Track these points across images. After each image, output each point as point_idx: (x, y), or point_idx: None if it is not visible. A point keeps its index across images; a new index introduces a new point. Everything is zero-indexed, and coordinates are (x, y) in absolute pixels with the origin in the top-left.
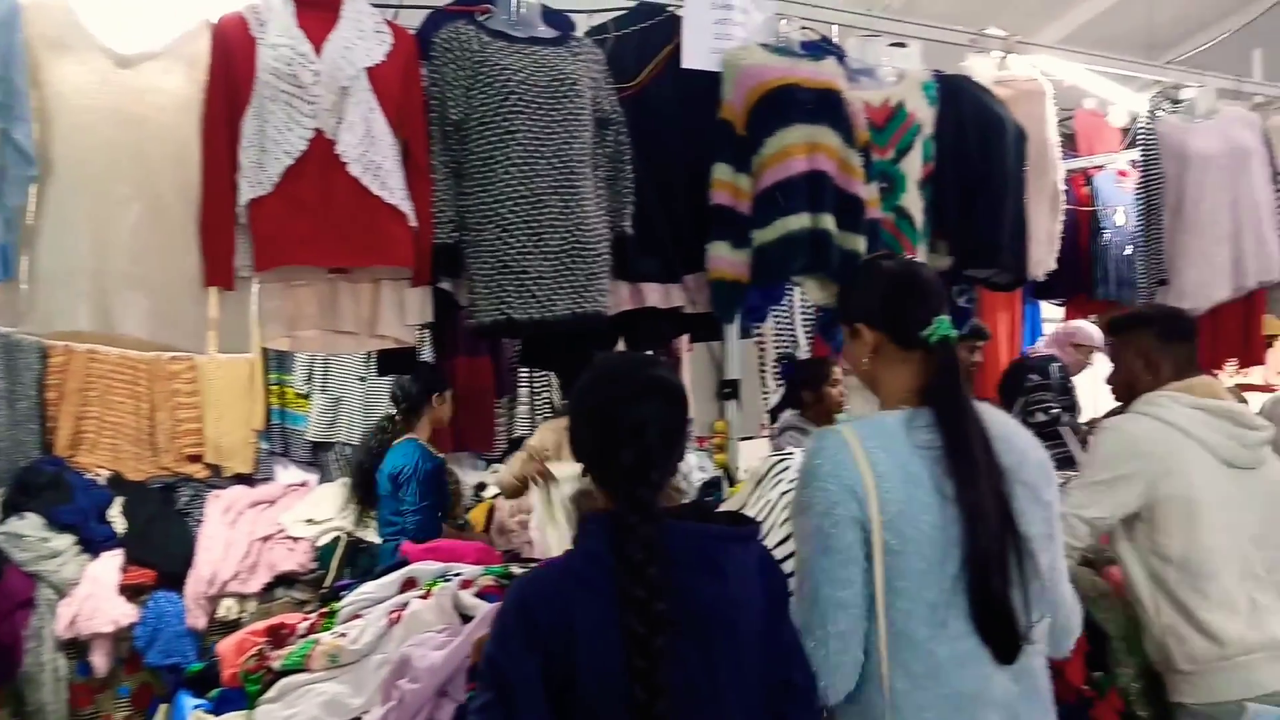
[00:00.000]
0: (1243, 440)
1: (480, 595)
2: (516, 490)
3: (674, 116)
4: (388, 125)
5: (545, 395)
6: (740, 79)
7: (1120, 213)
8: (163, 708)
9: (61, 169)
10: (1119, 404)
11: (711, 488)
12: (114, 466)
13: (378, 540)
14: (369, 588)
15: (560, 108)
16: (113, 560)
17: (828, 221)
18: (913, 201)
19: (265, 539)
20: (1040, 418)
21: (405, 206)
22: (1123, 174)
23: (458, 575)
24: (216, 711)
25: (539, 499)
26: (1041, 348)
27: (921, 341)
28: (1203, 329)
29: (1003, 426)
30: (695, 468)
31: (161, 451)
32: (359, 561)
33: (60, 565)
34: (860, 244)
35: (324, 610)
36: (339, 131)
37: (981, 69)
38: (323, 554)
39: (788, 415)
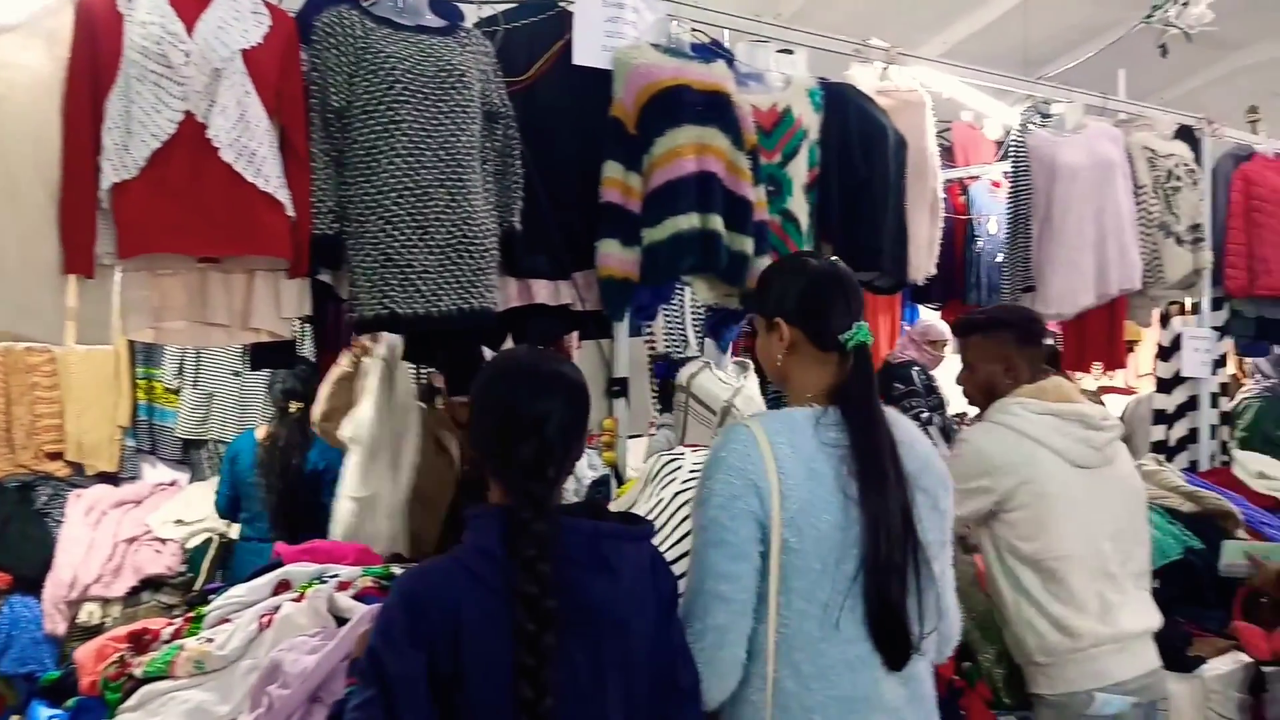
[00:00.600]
0: (1090, 442)
1: (358, 597)
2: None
3: (564, 113)
4: (264, 110)
5: None
6: (631, 78)
7: (993, 221)
8: (14, 719)
9: None
10: (976, 408)
11: (601, 485)
12: None
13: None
14: (239, 591)
15: (448, 99)
16: None
17: (717, 222)
18: (799, 205)
19: (131, 540)
20: None
21: (282, 195)
22: (996, 184)
23: (335, 577)
24: None
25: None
26: (898, 350)
27: (839, 344)
28: (1069, 334)
29: (907, 433)
30: (585, 466)
31: (19, 448)
32: (231, 564)
33: None
34: (748, 245)
35: (190, 615)
36: (211, 115)
37: (864, 78)
38: (193, 556)
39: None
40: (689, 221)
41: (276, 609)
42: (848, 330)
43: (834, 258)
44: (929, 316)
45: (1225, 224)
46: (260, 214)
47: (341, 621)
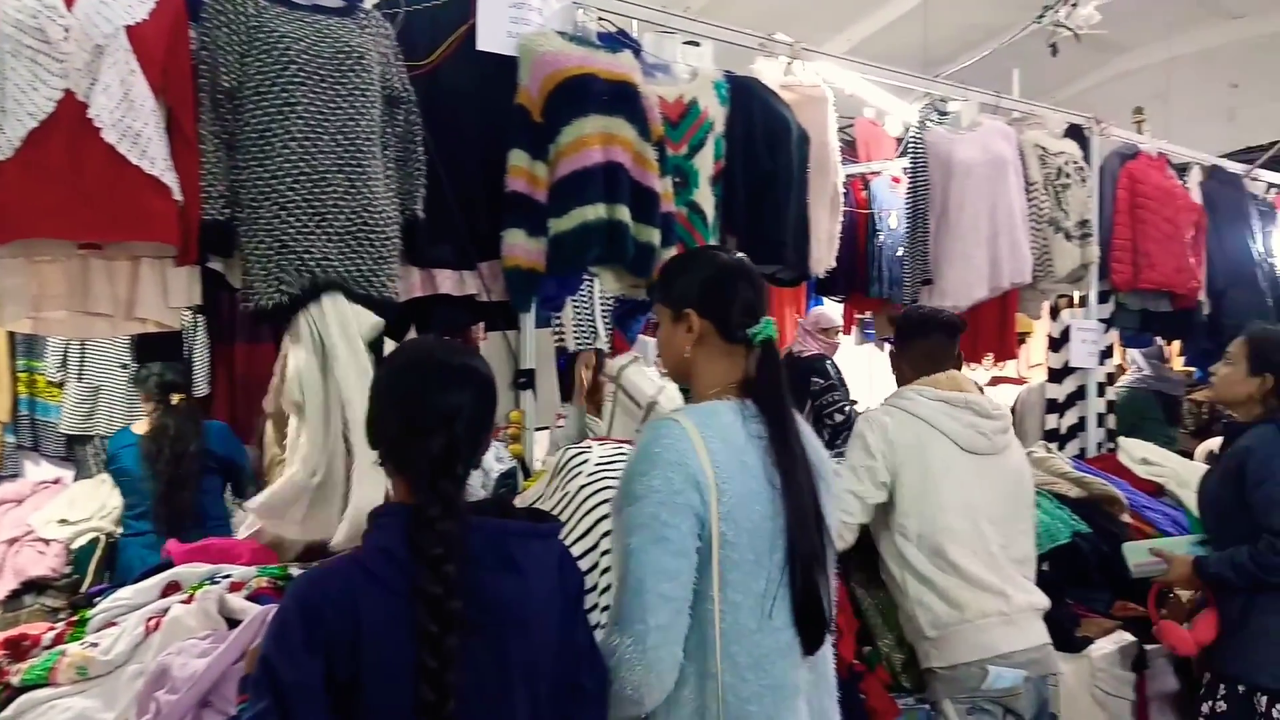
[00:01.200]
0: (979, 428)
1: (253, 598)
2: None
3: (468, 99)
4: (150, 90)
5: None
6: (537, 65)
7: (894, 216)
8: None
9: None
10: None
11: (508, 478)
12: None
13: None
14: (125, 593)
15: (346, 81)
16: None
17: (623, 213)
18: (704, 197)
19: (11, 541)
20: (838, 418)
21: (169, 178)
22: (896, 180)
23: (227, 577)
24: None
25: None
26: (798, 342)
27: (746, 338)
28: None
29: (803, 425)
30: (492, 458)
31: None
32: (121, 565)
33: None
34: (655, 236)
35: (73, 619)
36: (92, 94)
37: (769, 73)
38: (79, 557)
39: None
40: (595, 212)
41: (165, 611)
42: (755, 324)
43: (739, 252)
44: (821, 306)
45: (1111, 220)
46: (146, 198)
47: (234, 623)
